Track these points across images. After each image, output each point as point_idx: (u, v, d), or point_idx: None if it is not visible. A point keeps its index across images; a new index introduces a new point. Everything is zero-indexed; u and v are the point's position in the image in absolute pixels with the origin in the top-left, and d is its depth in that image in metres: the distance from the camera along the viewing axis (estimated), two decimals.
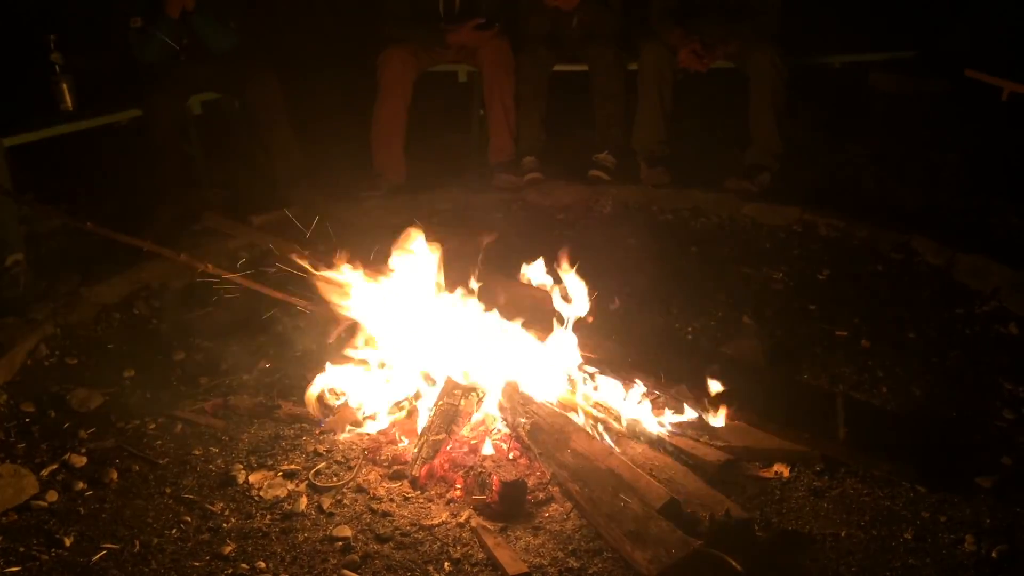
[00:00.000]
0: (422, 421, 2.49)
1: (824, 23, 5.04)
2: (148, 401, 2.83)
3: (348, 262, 2.65)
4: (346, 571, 2.07)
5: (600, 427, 2.50)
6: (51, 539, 2.20)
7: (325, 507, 2.29)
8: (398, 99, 4.41)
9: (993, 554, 2.08)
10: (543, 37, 4.60)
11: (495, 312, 2.61)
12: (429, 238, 2.65)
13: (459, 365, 2.55)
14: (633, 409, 2.55)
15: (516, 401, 2.51)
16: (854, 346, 3.06)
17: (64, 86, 4.01)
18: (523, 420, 2.47)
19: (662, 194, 4.39)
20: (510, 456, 2.42)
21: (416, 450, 2.38)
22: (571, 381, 2.61)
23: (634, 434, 2.50)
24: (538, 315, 2.65)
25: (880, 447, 2.38)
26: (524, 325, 2.59)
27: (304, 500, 2.31)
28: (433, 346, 2.60)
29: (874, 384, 2.82)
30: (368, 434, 2.57)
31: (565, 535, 2.18)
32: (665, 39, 4.38)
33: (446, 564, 2.08)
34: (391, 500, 2.31)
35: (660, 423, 2.52)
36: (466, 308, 2.62)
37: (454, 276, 2.69)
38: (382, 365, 2.69)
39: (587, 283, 2.68)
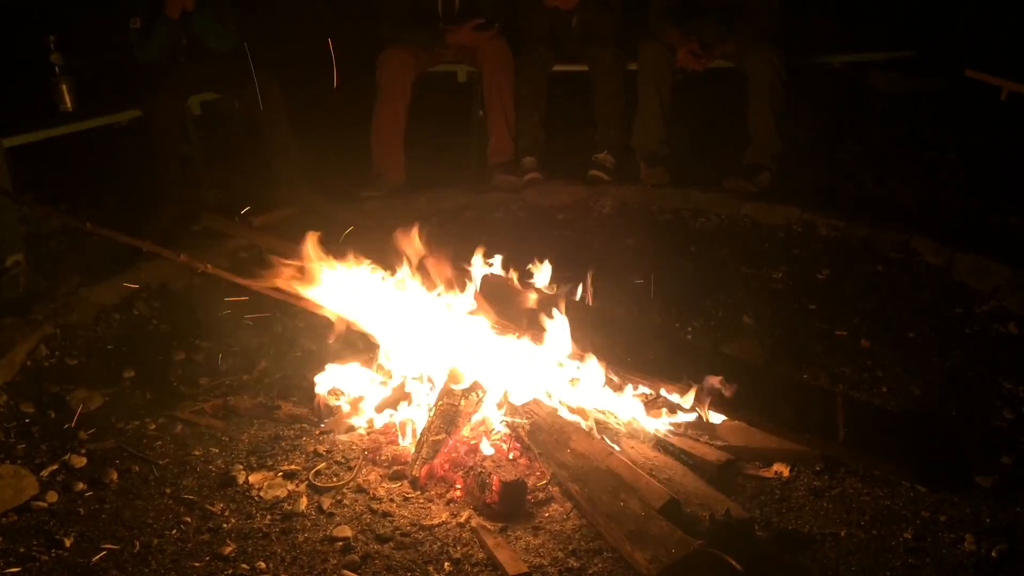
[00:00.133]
0: (421, 421, 2.49)
1: (823, 23, 5.04)
2: (148, 401, 2.83)
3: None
4: (346, 571, 2.07)
5: (596, 425, 2.50)
6: (51, 540, 2.20)
7: (325, 507, 2.29)
8: (398, 99, 4.42)
9: (993, 553, 2.08)
10: (542, 37, 4.60)
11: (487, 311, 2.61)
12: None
13: (452, 365, 2.55)
14: (633, 409, 2.55)
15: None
16: (854, 346, 3.06)
17: (64, 87, 4.01)
18: (523, 420, 2.48)
19: (662, 194, 4.39)
20: (510, 456, 2.42)
21: (416, 450, 2.38)
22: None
23: (634, 433, 2.50)
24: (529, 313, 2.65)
25: (880, 447, 2.38)
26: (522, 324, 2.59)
27: (304, 500, 2.31)
28: (431, 346, 2.60)
29: (874, 384, 2.82)
30: (368, 434, 2.57)
31: (565, 535, 2.18)
32: (663, 39, 4.39)
33: (446, 564, 2.08)
34: (391, 500, 2.31)
35: (660, 423, 2.52)
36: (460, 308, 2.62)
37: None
38: (379, 368, 2.69)
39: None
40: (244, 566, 2.10)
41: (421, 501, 2.31)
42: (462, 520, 2.23)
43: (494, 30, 4.45)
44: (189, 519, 2.27)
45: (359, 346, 2.86)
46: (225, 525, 2.24)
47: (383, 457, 2.48)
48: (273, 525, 2.24)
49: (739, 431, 2.49)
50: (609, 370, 2.50)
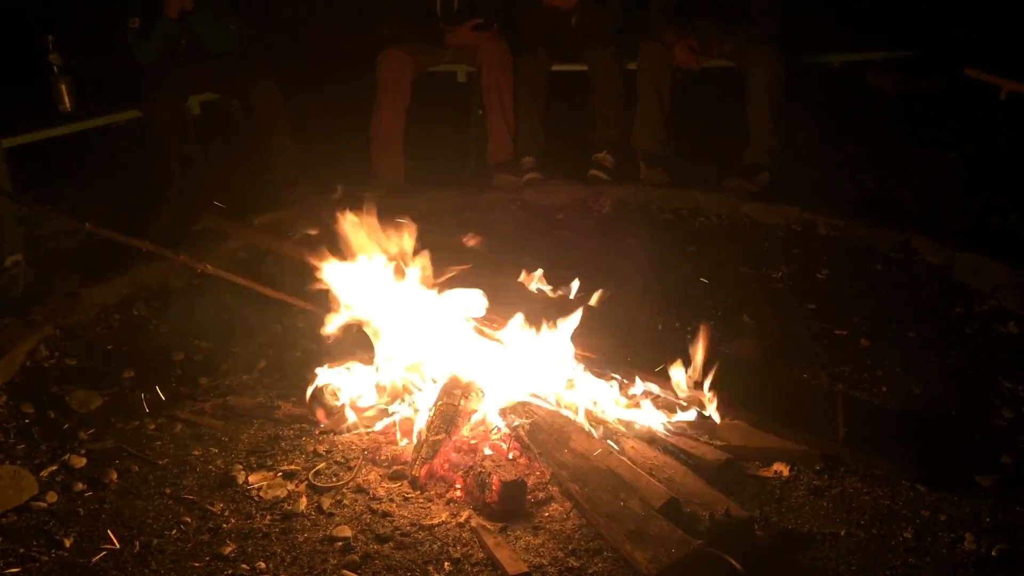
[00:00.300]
0: (421, 421, 2.49)
1: (823, 22, 5.04)
2: (148, 401, 2.83)
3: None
4: (346, 571, 2.07)
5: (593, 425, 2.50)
6: (51, 540, 2.20)
7: (325, 507, 2.29)
8: (397, 99, 4.41)
9: (993, 553, 2.09)
10: (542, 37, 4.60)
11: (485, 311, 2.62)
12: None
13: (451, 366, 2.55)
14: (632, 408, 2.55)
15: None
16: (853, 345, 3.06)
17: (63, 87, 4.01)
18: (523, 420, 2.48)
19: (661, 193, 4.39)
20: (510, 456, 2.42)
21: (416, 450, 2.38)
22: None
23: (634, 433, 2.50)
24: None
25: (880, 446, 2.38)
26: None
27: (304, 500, 2.31)
28: (430, 346, 2.60)
29: (873, 383, 2.83)
30: (368, 434, 2.57)
31: (565, 535, 2.18)
32: (662, 37, 4.39)
33: (446, 564, 2.08)
34: (391, 500, 2.31)
35: (660, 423, 2.52)
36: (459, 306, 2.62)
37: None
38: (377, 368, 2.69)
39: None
40: (244, 566, 2.10)
41: (421, 501, 2.31)
42: (462, 520, 2.23)
43: (493, 30, 4.45)
44: (189, 519, 2.27)
45: (358, 346, 2.86)
46: (225, 525, 2.24)
47: (383, 457, 2.48)
48: (273, 525, 2.24)
49: (739, 431, 2.49)
50: (610, 370, 2.51)
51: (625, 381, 2.58)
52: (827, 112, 4.92)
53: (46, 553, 2.16)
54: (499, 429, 2.50)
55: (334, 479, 2.40)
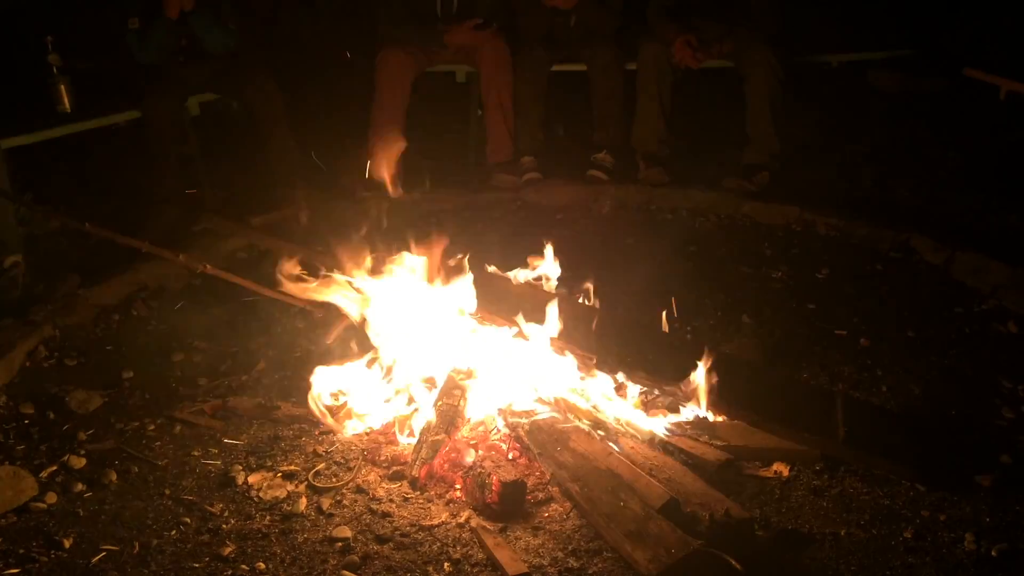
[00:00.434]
0: (421, 422, 2.49)
1: (822, 22, 5.04)
2: (147, 402, 2.83)
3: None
4: (346, 572, 2.07)
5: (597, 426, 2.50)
6: (50, 541, 2.20)
7: (324, 508, 2.29)
8: (396, 99, 4.42)
9: (993, 552, 2.08)
10: (541, 37, 4.60)
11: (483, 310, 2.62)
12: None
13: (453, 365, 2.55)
14: (632, 409, 2.55)
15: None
16: (853, 345, 3.06)
17: (62, 87, 4.01)
18: (522, 420, 2.48)
19: (661, 193, 4.39)
20: (509, 456, 2.42)
21: (415, 451, 2.38)
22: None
23: (634, 434, 2.50)
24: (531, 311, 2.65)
25: (879, 446, 2.38)
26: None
27: (304, 501, 2.31)
28: (430, 346, 2.60)
29: (873, 383, 2.82)
30: (367, 434, 2.57)
31: (565, 535, 2.18)
32: (661, 35, 4.39)
33: (446, 565, 2.08)
34: (391, 501, 2.31)
35: (659, 423, 2.52)
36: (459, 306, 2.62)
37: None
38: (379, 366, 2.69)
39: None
40: (244, 567, 2.10)
41: (421, 501, 2.31)
42: (462, 520, 2.23)
43: (493, 30, 4.45)
44: (188, 520, 2.27)
45: (357, 346, 2.86)
46: (225, 526, 2.24)
47: (382, 457, 2.47)
48: (273, 526, 2.24)
49: (739, 431, 2.49)
50: (611, 370, 2.51)
51: (625, 381, 2.58)
52: (827, 112, 4.93)
53: (46, 554, 2.16)
54: (498, 429, 2.50)
55: (334, 480, 2.40)
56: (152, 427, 2.68)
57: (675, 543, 2.02)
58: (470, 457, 2.39)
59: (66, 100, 4.04)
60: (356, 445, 2.54)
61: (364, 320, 2.68)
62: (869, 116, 5.00)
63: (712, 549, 1.99)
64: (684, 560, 1.98)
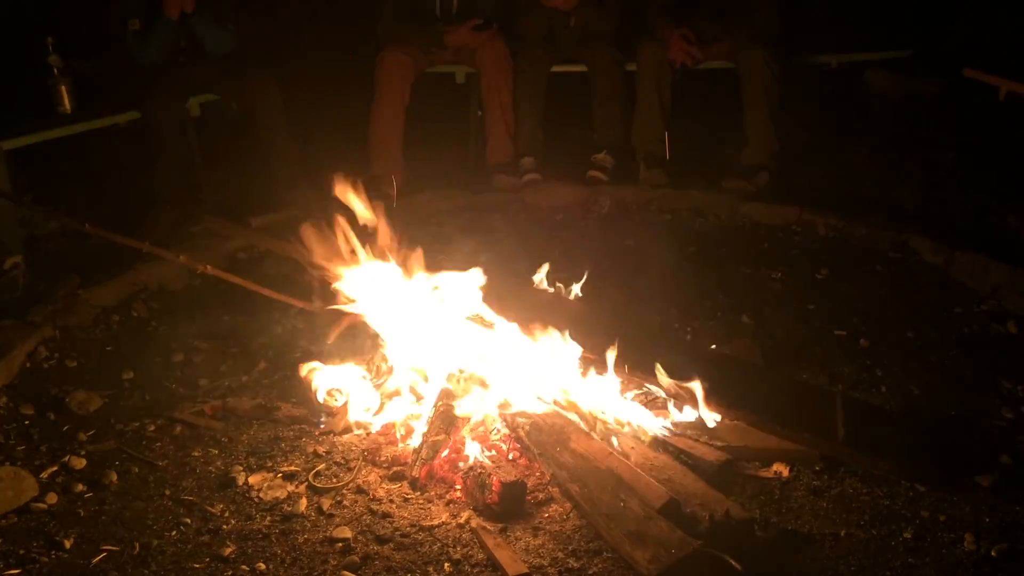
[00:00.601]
0: (421, 422, 2.49)
1: (821, 22, 5.04)
2: (147, 403, 2.83)
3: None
4: (346, 572, 2.07)
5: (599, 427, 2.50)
6: (51, 541, 2.20)
7: (325, 508, 2.29)
8: (396, 100, 4.42)
9: (992, 553, 2.08)
10: (541, 37, 4.60)
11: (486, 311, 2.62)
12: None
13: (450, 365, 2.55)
14: (632, 409, 2.55)
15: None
16: (853, 345, 3.06)
17: (63, 88, 4.01)
18: (522, 420, 2.48)
19: (661, 194, 4.39)
20: (510, 456, 2.42)
21: (415, 451, 2.38)
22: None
23: (634, 434, 2.51)
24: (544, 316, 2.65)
25: (879, 446, 2.38)
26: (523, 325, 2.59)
27: (304, 501, 2.31)
28: (431, 346, 2.60)
29: (873, 383, 2.83)
30: (367, 435, 2.57)
31: (565, 535, 2.18)
32: (659, 34, 4.39)
33: (446, 565, 2.08)
34: (391, 501, 2.31)
35: (660, 424, 2.52)
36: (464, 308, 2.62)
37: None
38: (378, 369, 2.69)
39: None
40: (244, 567, 2.10)
41: (421, 502, 2.31)
42: (462, 521, 2.23)
43: (492, 30, 4.46)
44: (189, 520, 2.27)
45: (356, 346, 2.87)
46: (225, 526, 2.24)
47: (382, 458, 2.48)
48: (273, 526, 2.24)
49: (738, 431, 2.49)
50: (611, 370, 2.51)
51: (624, 382, 2.58)
52: (827, 113, 4.93)
53: (46, 554, 2.16)
54: (499, 430, 2.50)
55: (334, 480, 2.40)
56: (152, 428, 2.68)
57: (675, 543, 2.02)
58: (471, 451, 2.38)
59: (66, 101, 4.04)
60: (356, 446, 2.54)
61: (365, 320, 2.68)
62: (869, 117, 4.99)
63: (712, 549, 2.00)
64: (684, 560, 1.98)
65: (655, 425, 2.51)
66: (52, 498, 2.35)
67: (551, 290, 2.92)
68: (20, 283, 3.42)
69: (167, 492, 2.38)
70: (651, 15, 4.47)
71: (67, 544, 2.18)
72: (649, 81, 4.41)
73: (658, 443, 2.48)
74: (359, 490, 2.35)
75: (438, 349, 2.60)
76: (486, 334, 2.63)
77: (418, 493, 2.34)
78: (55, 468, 2.48)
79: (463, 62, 4.63)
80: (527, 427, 2.46)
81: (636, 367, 2.53)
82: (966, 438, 2.53)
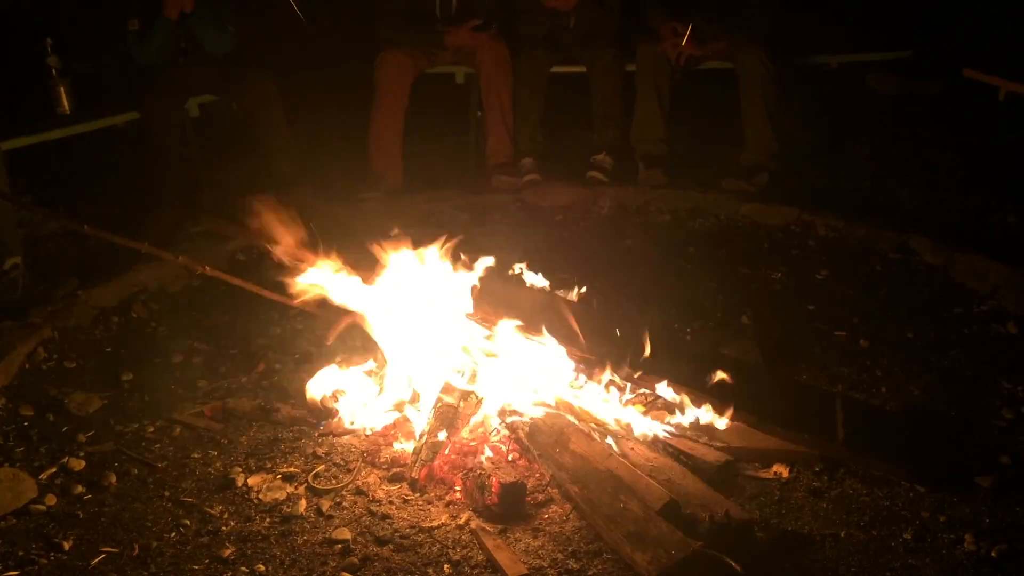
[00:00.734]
0: (420, 423, 2.49)
1: (821, 23, 5.04)
2: (146, 404, 2.83)
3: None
4: (345, 574, 2.07)
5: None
6: (50, 543, 2.20)
7: (324, 510, 2.28)
8: (396, 101, 4.42)
9: (993, 553, 2.08)
10: (541, 38, 4.60)
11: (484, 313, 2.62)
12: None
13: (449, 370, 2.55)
14: (632, 410, 2.55)
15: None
16: (853, 346, 3.06)
17: (61, 89, 4.01)
18: (522, 421, 2.47)
19: (660, 194, 4.39)
20: (509, 458, 2.42)
21: (415, 452, 2.38)
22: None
23: (634, 436, 2.50)
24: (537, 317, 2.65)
25: (879, 447, 2.38)
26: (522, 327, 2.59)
27: (303, 503, 2.31)
28: (430, 349, 2.60)
29: (873, 384, 2.82)
30: (367, 436, 2.57)
31: (565, 537, 2.18)
32: (657, 29, 4.39)
33: (446, 566, 2.08)
34: (390, 502, 2.31)
35: (659, 424, 2.52)
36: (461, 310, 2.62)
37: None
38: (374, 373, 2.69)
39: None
40: (243, 569, 2.10)
41: (420, 503, 2.31)
42: (461, 522, 2.23)
43: (492, 31, 4.45)
44: (188, 522, 2.27)
45: (356, 347, 2.86)
46: (224, 528, 2.24)
47: (382, 459, 2.47)
48: (272, 528, 2.24)
49: (738, 432, 2.48)
50: (611, 370, 2.51)
51: (624, 383, 2.58)
52: (827, 113, 4.93)
53: (45, 556, 2.16)
54: (498, 431, 2.50)
55: (333, 481, 2.40)
56: (151, 429, 2.68)
57: (675, 544, 2.02)
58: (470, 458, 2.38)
59: (65, 102, 4.03)
60: (355, 447, 2.54)
61: (364, 320, 2.68)
62: (868, 117, 5.00)
63: (712, 550, 2.00)
64: (684, 561, 1.98)
65: (655, 426, 2.51)
66: (51, 500, 2.35)
67: (535, 285, 2.92)
68: (19, 284, 3.41)
69: (166, 493, 2.38)
70: (650, 10, 4.47)
71: (66, 546, 2.18)
72: (648, 81, 4.41)
73: (658, 444, 2.48)
74: (358, 491, 2.35)
75: (438, 349, 2.60)
76: (486, 335, 2.63)
77: (417, 494, 2.33)
78: (54, 470, 2.48)
79: (463, 63, 4.63)
80: (527, 428, 2.46)
81: (635, 367, 2.53)
82: (966, 438, 2.53)
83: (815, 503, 2.29)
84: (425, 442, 2.37)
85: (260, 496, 2.35)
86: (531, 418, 2.48)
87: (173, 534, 2.23)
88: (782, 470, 2.40)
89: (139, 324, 3.39)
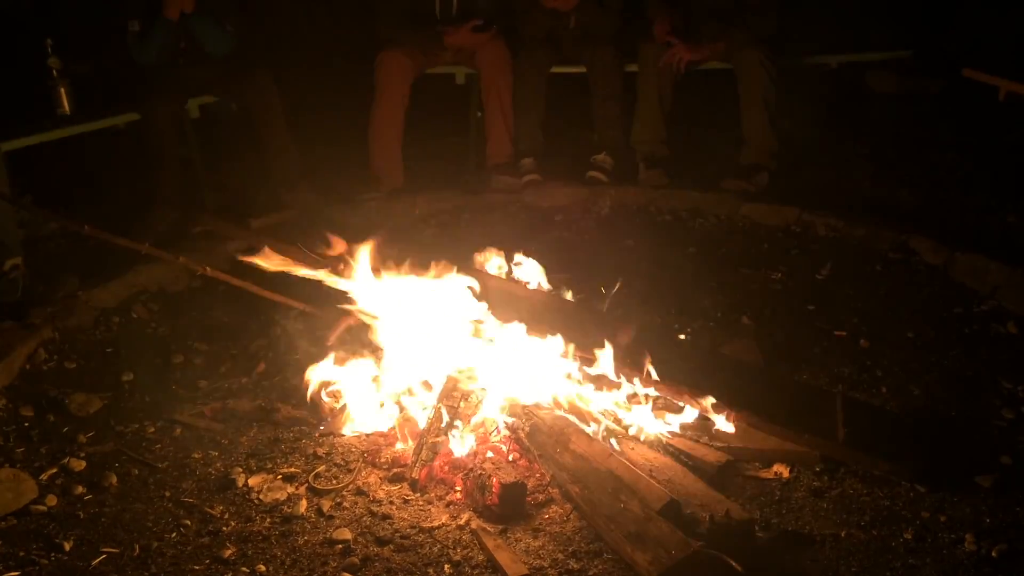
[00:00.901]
0: (421, 423, 2.49)
1: (821, 23, 5.04)
2: (147, 405, 2.83)
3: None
4: (346, 574, 2.07)
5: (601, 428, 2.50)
6: (50, 543, 2.20)
7: (325, 510, 2.28)
8: (396, 101, 4.42)
9: (993, 553, 2.08)
10: (541, 38, 4.60)
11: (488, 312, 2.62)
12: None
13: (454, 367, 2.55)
14: (634, 411, 2.55)
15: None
16: (853, 346, 3.06)
17: (62, 90, 4.01)
18: (522, 421, 2.47)
19: (660, 195, 4.39)
20: (510, 458, 2.42)
21: (415, 453, 2.38)
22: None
23: (634, 435, 2.50)
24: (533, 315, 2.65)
25: (880, 447, 2.38)
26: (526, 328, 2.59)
27: (304, 503, 2.31)
28: (431, 347, 2.60)
29: (873, 384, 2.82)
30: (367, 436, 2.57)
31: (565, 537, 2.18)
32: (651, 21, 4.40)
33: (446, 567, 2.08)
34: (391, 503, 2.31)
35: (660, 425, 2.52)
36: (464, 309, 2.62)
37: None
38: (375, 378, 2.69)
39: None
40: (244, 569, 2.10)
41: (421, 503, 2.31)
42: (462, 522, 2.23)
43: (492, 31, 4.45)
44: (189, 522, 2.27)
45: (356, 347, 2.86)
46: (225, 528, 2.24)
47: (382, 459, 2.47)
48: (273, 528, 2.24)
49: (739, 432, 2.48)
50: (611, 370, 2.51)
51: (624, 383, 2.58)
52: (826, 113, 4.93)
53: (46, 556, 2.16)
54: (499, 431, 2.50)
55: (334, 481, 2.40)
56: (152, 429, 2.68)
57: (675, 544, 2.02)
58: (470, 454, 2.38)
59: (66, 102, 4.03)
60: (356, 447, 2.54)
61: (366, 321, 2.68)
62: (868, 117, 5.00)
63: (712, 550, 2.00)
64: (684, 561, 1.98)
65: (656, 426, 2.51)
66: (52, 500, 2.35)
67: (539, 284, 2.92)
68: (19, 285, 3.41)
69: (167, 494, 2.38)
70: (650, 9, 4.47)
71: (67, 546, 2.18)
72: (649, 81, 4.41)
73: (658, 444, 2.48)
74: (359, 492, 2.35)
75: (438, 350, 2.60)
76: (485, 335, 2.63)
77: (418, 494, 2.33)
78: (55, 470, 2.48)
79: (463, 63, 4.63)
80: (527, 428, 2.46)
81: (634, 367, 2.53)
82: (966, 438, 2.53)
83: (815, 503, 2.29)
84: (426, 442, 2.37)
85: (261, 496, 2.35)
86: (532, 417, 2.48)
87: (174, 534, 2.23)
88: (782, 470, 2.40)
89: (139, 324, 3.40)
